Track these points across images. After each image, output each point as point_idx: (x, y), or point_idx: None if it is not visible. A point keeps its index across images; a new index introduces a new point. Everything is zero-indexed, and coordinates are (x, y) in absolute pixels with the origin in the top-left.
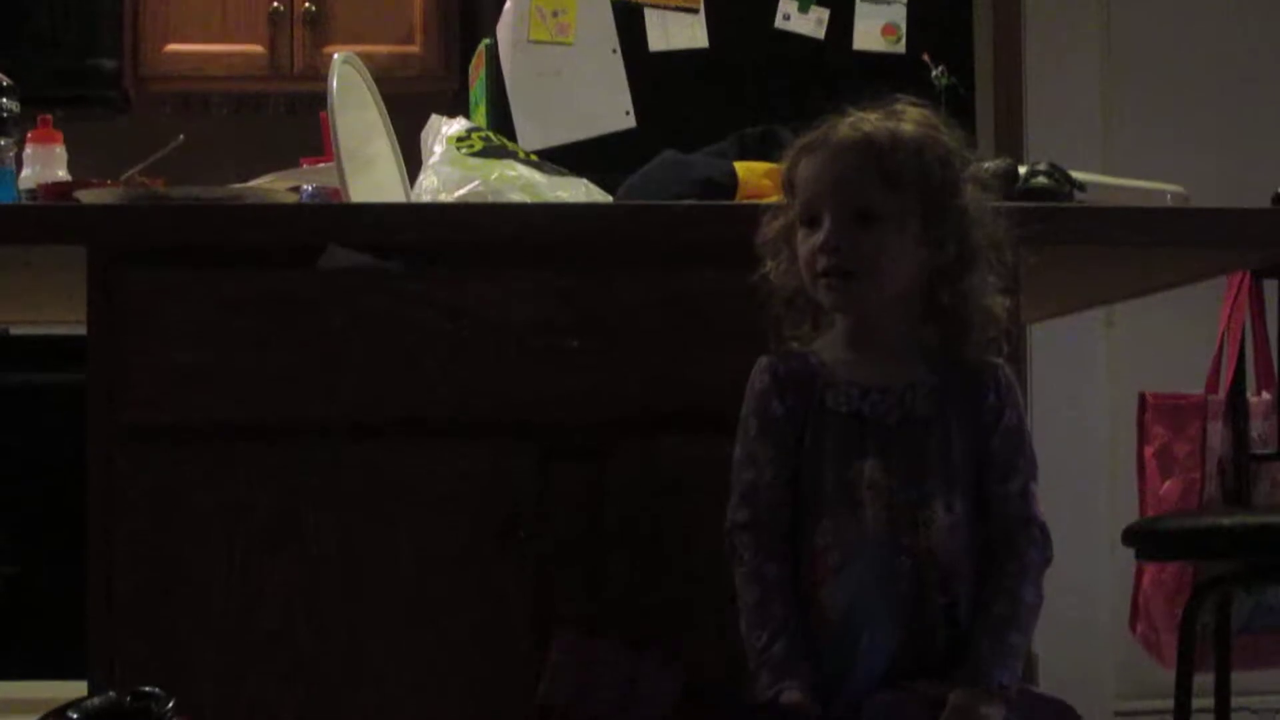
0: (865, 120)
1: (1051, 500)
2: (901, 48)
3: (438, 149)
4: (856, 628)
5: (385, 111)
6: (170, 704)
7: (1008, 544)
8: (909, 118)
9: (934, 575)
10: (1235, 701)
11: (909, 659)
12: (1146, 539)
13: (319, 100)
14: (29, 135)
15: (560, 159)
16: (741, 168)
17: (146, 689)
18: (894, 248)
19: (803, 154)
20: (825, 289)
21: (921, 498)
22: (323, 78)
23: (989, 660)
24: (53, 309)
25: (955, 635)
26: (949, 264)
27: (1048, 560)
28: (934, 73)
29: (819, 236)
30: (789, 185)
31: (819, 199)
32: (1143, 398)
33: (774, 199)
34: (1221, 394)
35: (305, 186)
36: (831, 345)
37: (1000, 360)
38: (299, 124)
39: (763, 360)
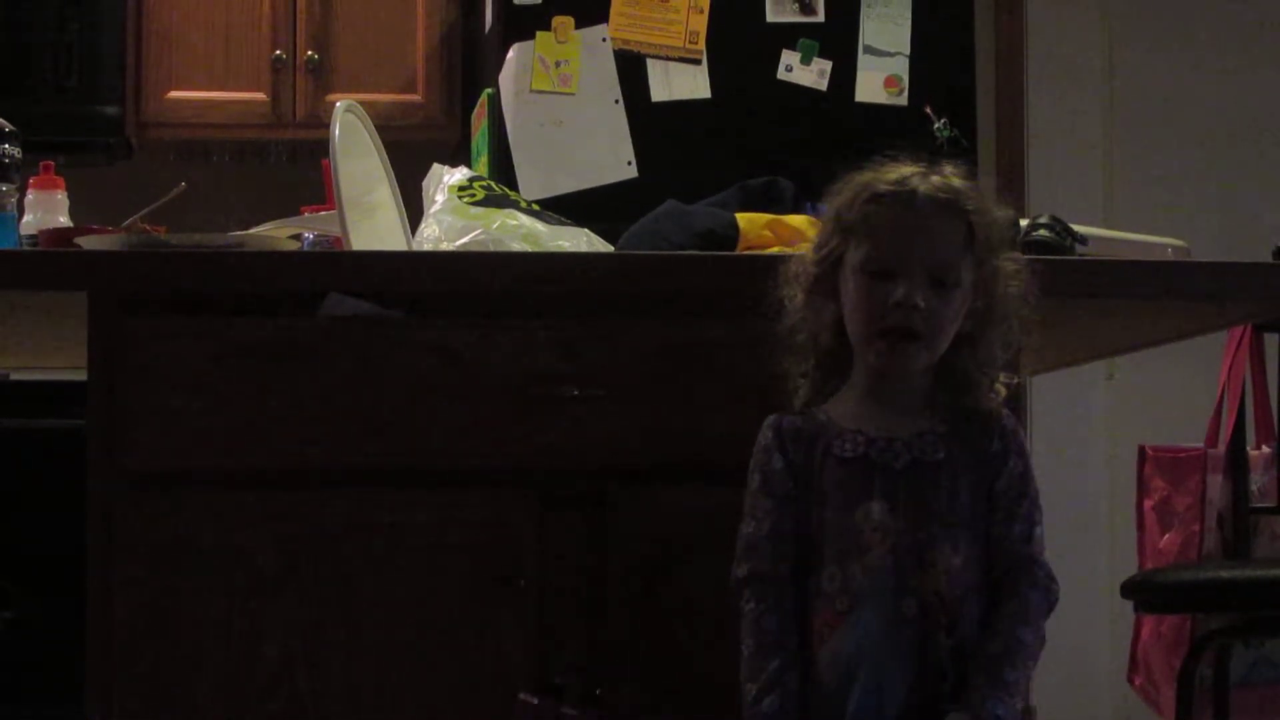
0: (935, 177)
1: (1051, 552)
2: (904, 100)
3: (439, 197)
4: (865, 671)
5: (387, 160)
6: None
7: (1009, 585)
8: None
9: (941, 618)
10: None
11: (917, 703)
12: (1146, 591)
13: (321, 148)
14: (31, 181)
15: (562, 209)
16: (743, 219)
17: None
18: (958, 315)
19: (878, 201)
20: (885, 347)
21: (929, 539)
22: (325, 125)
23: (984, 693)
24: (53, 355)
25: (963, 678)
26: (973, 331)
27: (1052, 603)
28: (936, 125)
29: (899, 292)
30: (849, 226)
31: (900, 254)
32: (1142, 450)
33: (775, 250)
34: (1221, 447)
35: (307, 234)
36: (842, 401)
37: (1005, 410)
38: (301, 171)
39: (770, 419)
